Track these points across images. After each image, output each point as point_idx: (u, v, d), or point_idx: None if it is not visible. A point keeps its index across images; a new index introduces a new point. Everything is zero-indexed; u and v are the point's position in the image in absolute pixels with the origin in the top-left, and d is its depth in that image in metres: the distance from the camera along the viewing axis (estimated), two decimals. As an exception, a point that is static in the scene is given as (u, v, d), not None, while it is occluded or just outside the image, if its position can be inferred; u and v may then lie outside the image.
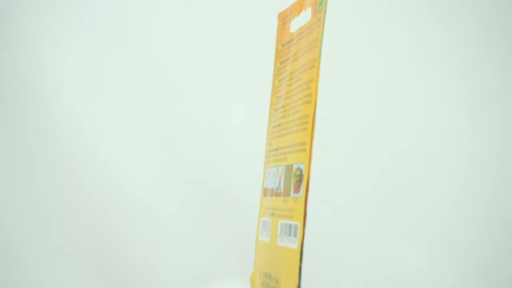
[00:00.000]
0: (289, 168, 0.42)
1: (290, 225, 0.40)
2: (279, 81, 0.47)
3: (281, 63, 0.47)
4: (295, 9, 0.46)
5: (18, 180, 0.64)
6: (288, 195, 0.41)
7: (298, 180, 0.40)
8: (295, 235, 0.39)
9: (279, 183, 0.43)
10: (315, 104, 0.39)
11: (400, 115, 0.69)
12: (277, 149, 0.45)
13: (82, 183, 0.64)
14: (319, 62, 0.39)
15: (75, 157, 0.64)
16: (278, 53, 0.48)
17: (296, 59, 0.44)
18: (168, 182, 0.62)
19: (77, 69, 0.64)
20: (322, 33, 0.39)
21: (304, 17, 0.44)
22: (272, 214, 0.44)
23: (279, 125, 0.45)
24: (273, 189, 0.44)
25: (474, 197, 0.62)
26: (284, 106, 0.44)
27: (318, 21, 0.40)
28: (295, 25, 0.46)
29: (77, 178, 0.64)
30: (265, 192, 0.47)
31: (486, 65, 0.60)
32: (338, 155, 0.55)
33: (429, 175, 0.65)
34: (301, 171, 0.39)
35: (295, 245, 0.39)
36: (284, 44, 0.47)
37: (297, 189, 0.40)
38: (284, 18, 0.48)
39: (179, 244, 0.64)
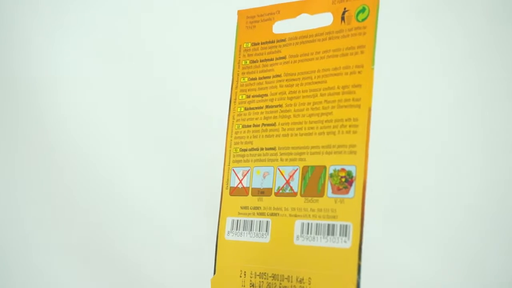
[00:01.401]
0: (313, 169, 0.42)
1: (332, 225, 0.41)
2: (250, 79, 0.47)
3: (253, 61, 0.47)
4: (284, 10, 0.46)
5: (18, 180, 0.62)
6: (321, 195, 0.42)
7: (345, 181, 0.41)
8: (344, 235, 0.40)
9: (287, 183, 0.44)
10: (370, 109, 0.41)
11: (405, 116, 0.68)
12: (273, 149, 0.45)
13: (81, 183, 0.63)
14: (372, 69, 0.41)
15: (74, 158, 0.63)
16: (245, 51, 0.47)
17: (300, 62, 0.45)
18: (168, 181, 0.61)
19: (75, 68, 0.63)
20: (375, 41, 0.42)
21: (305, 21, 0.45)
22: (274, 214, 0.44)
23: (273, 124, 0.45)
24: (270, 188, 0.44)
25: (481, 201, 0.63)
26: (281, 106, 0.45)
27: (356, 30, 0.42)
28: (282, 26, 0.46)
29: (77, 178, 0.63)
30: (236, 191, 0.46)
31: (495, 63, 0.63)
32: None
33: (435, 178, 0.66)
34: (347, 172, 0.41)
35: (347, 244, 0.40)
36: (260, 44, 0.47)
37: (341, 190, 0.41)
38: (252, 17, 0.48)
39: (179, 243, 0.63)
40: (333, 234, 0.41)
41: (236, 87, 0.47)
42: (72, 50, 0.64)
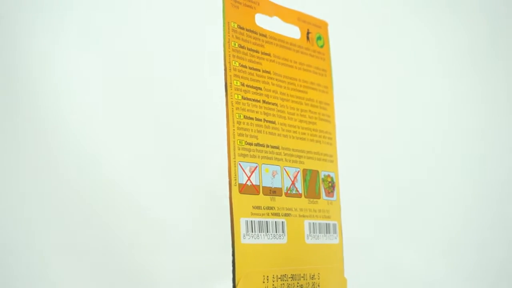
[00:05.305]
0: (310, 172, 0.50)
1: (328, 224, 0.51)
2: (241, 65, 0.47)
3: (241, 46, 0.47)
4: (263, 5, 0.48)
5: (17, 180, 0.60)
6: (319, 197, 0.50)
7: (331, 186, 0.52)
8: (334, 232, 0.52)
9: (292, 184, 0.49)
10: (335, 125, 0.54)
11: (401, 116, 0.71)
12: (277, 147, 0.48)
13: (81, 183, 0.61)
14: (332, 90, 0.54)
15: (74, 157, 0.61)
16: (233, 32, 0.47)
17: (283, 65, 0.49)
18: (168, 182, 0.59)
19: (71, 66, 0.62)
20: (331, 68, 0.54)
21: (278, 25, 0.51)
22: (287, 214, 0.48)
23: (274, 122, 0.48)
24: (280, 188, 0.48)
25: (476, 198, 0.54)
26: (276, 105, 0.48)
27: (318, 53, 0.53)
28: (261, 21, 0.49)
29: (77, 178, 0.61)
30: (245, 189, 0.46)
31: (491, 64, 0.61)
32: (340, 156, 0.50)
33: (431, 176, 0.68)
34: (332, 178, 0.52)
35: (337, 240, 0.52)
36: (245, 29, 0.47)
37: (330, 193, 0.51)
38: None
39: (179, 244, 0.61)
40: (329, 232, 0.50)
41: (230, 69, 0.45)
42: (75, 49, 0.63)
